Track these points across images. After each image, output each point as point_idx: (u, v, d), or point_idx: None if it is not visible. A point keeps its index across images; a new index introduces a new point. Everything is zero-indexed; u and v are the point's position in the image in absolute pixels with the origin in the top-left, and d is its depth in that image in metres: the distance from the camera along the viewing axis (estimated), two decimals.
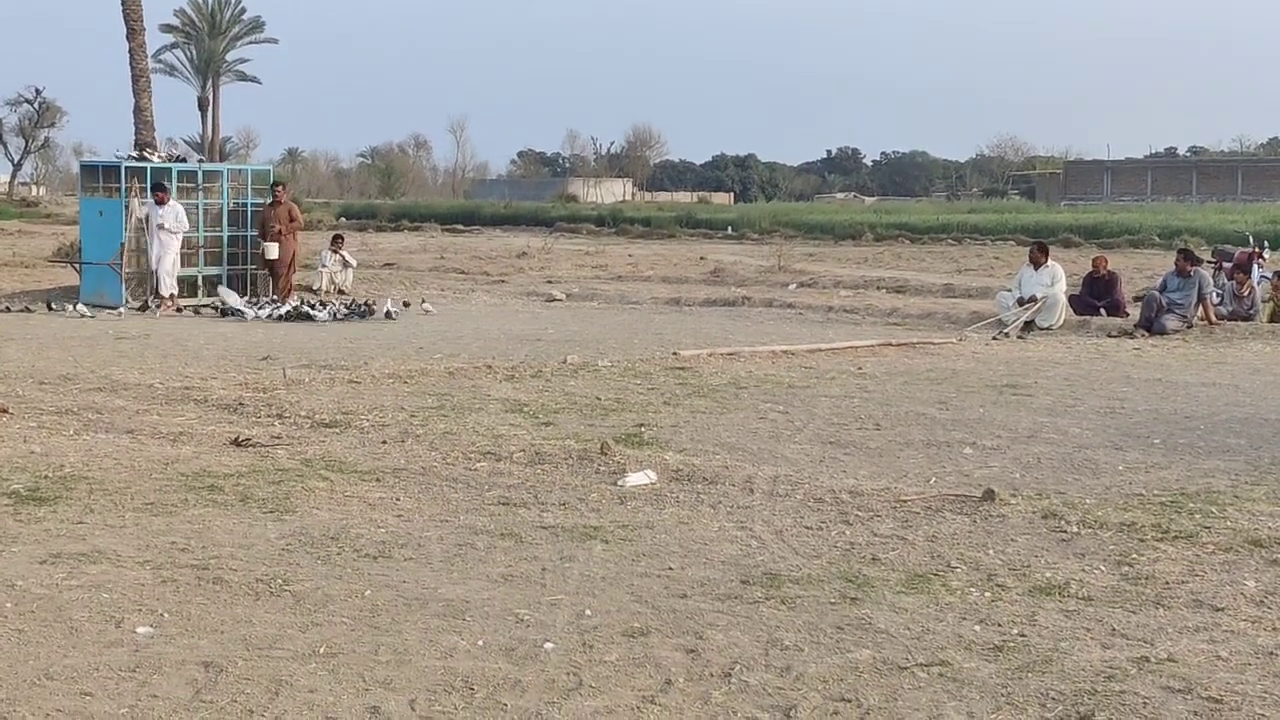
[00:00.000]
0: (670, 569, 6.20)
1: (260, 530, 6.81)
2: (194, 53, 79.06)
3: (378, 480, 7.98)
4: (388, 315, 19.00)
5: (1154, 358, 14.83)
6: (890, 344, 15.67)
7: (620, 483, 7.88)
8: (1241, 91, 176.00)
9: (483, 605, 5.60)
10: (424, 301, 20.10)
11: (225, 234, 21.51)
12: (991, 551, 6.51)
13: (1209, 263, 19.73)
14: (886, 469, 8.46)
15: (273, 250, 20.94)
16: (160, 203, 20.16)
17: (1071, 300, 18.58)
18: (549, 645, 5.12)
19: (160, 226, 20.04)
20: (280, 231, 21.06)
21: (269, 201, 21.47)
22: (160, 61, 72.94)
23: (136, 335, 16.28)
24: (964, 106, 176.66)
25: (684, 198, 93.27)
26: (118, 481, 7.86)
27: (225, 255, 21.54)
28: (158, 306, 19.83)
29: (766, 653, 5.06)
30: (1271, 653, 5.09)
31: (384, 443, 9.08)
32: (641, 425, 9.84)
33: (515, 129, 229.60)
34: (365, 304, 19.73)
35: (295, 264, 21.73)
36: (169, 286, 20.10)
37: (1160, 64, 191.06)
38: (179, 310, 19.90)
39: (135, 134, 25.56)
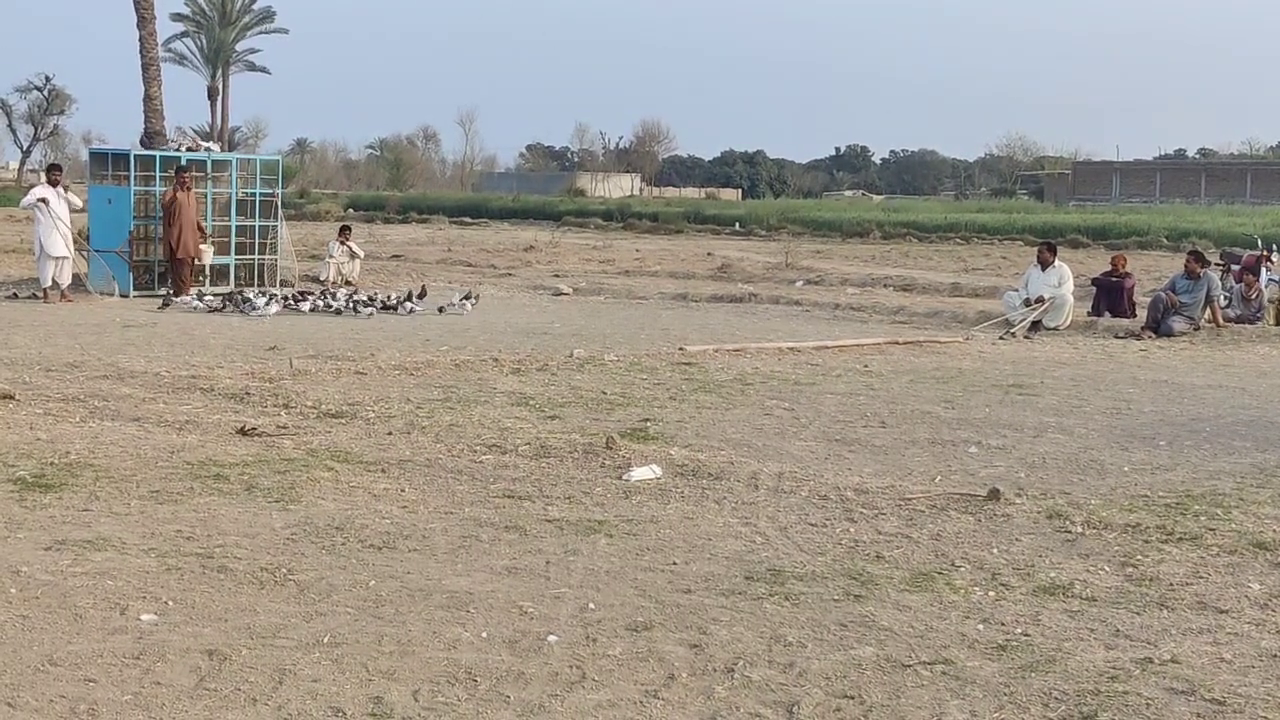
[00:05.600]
0: (674, 564, 6.20)
1: (265, 519, 6.82)
2: (204, 42, 79.12)
3: (383, 471, 7.98)
4: (446, 308, 18.66)
5: (1161, 359, 14.81)
6: (897, 342, 15.67)
7: (625, 477, 7.88)
8: (1251, 94, 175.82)
9: (486, 597, 5.61)
10: (422, 295, 20.01)
11: (234, 224, 21.52)
12: (996, 551, 6.51)
13: (1217, 265, 19.71)
14: (892, 467, 8.46)
15: (208, 255, 20.33)
16: (56, 183, 19.72)
17: (1094, 281, 18.95)
18: (552, 638, 5.12)
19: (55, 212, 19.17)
20: (186, 222, 19.90)
21: (175, 186, 20.10)
22: (170, 50, 73.09)
23: (144, 324, 16.30)
24: (973, 105, 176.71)
25: (692, 193, 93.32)
26: (123, 469, 7.87)
27: (234, 245, 21.55)
28: (58, 297, 19.04)
29: (770, 649, 5.06)
30: (1275, 655, 5.08)
31: (389, 434, 9.09)
32: (647, 420, 9.84)
33: (524, 122, 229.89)
34: (394, 296, 19.37)
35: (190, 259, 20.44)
36: (68, 275, 19.42)
37: (1170, 66, 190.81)
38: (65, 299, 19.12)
39: (145, 123, 25.54)
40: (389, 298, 19.28)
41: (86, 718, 4.32)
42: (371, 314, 18.08)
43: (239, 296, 19.10)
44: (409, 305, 18.74)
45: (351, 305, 18.67)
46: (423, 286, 20.83)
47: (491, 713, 4.42)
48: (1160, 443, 9.49)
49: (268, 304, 18.38)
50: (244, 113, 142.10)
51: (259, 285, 20.99)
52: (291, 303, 18.84)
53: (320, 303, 18.89)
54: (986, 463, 8.67)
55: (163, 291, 19.84)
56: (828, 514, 7.18)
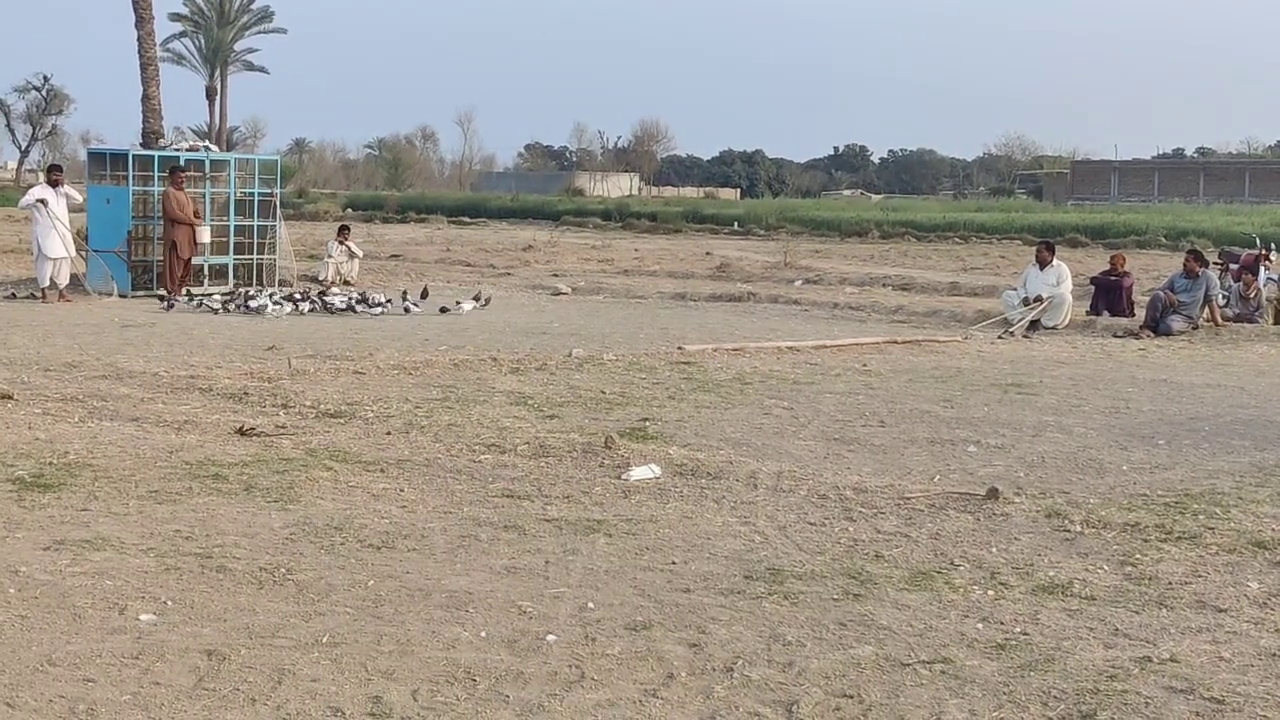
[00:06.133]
0: (673, 563, 6.20)
1: (264, 519, 6.82)
2: (202, 42, 79.18)
3: (382, 471, 7.98)
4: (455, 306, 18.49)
5: (1159, 358, 14.81)
6: (895, 341, 15.67)
7: (624, 477, 7.88)
8: (1249, 94, 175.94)
9: (485, 597, 5.61)
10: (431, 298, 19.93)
11: (232, 223, 21.50)
12: (995, 550, 6.51)
13: (1215, 264, 19.71)
14: (891, 466, 8.46)
15: (204, 234, 20.26)
16: (56, 184, 19.67)
17: (1092, 280, 19.18)
18: (551, 637, 5.12)
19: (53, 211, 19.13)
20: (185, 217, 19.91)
21: (170, 185, 20.03)
22: (168, 50, 73.14)
23: (142, 324, 16.29)
24: (972, 105, 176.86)
25: (690, 193, 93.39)
26: (122, 469, 7.87)
27: (232, 245, 21.52)
28: (56, 297, 19.03)
29: (769, 648, 5.06)
30: (1274, 654, 5.09)
31: (388, 434, 9.08)
32: (646, 419, 9.84)
33: (523, 122, 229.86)
34: (381, 295, 19.28)
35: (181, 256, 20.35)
36: (66, 275, 19.40)
37: (1169, 65, 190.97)
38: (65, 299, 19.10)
39: (143, 123, 25.55)
40: (372, 297, 19.20)
41: (85, 718, 4.32)
42: (382, 313, 18.05)
43: (244, 295, 19.01)
44: (405, 304, 18.65)
45: (350, 304, 18.64)
46: (424, 287, 20.75)
47: (490, 712, 4.42)
48: (1159, 442, 9.50)
49: (281, 306, 18.25)
50: (242, 112, 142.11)
51: (258, 285, 20.95)
52: (292, 304, 18.71)
53: (320, 302, 18.81)
54: (985, 462, 8.67)
55: (161, 293, 19.77)
56: (827, 513, 7.17)
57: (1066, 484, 8.02)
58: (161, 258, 20.33)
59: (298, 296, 19.22)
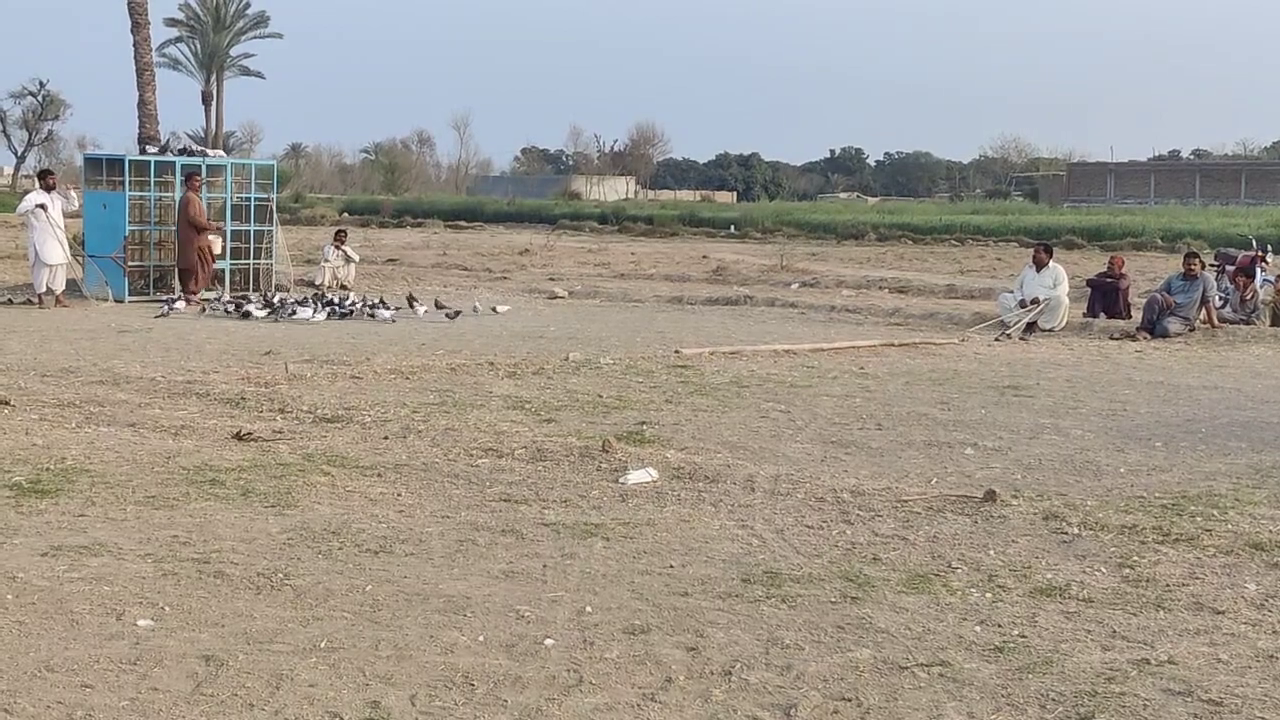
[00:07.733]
0: (671, 567, 6.20)
1: (261, 524, 6.82)
2: (198, 47, 79.07)
3: (379, 476, 7.98)
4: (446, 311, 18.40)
5: (1156, 360, 14.82)
6: (892, 344, 15.67)
7: (622, 480, 7.88)
8: (1245, 95, 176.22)
9: (483, 601, 5.61)
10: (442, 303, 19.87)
11: (229, 228, 21.46)
12: (992, 552, 6.51)
13: (1211, 265, 19.71)
14: (888, 469, 8.46)
15: (217, 244, 20.31)
16: (50, 188, 19.63)
17: (1089, 282, 19.26)
18: (550, 642, 5.12)
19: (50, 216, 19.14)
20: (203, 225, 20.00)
21: (188, 190, 20.05)
22: (164, 55, 73.07)
23: (139, 329, 16.28)
24: (968, 107, 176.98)
25: (687, 196, 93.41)
26: (119, 474, 7.86)
27: (229, 250, 21.48)
28: (53, 302, 19.07)
29: (767, 651, 5.06)
30: (1272, 656, 5.09)
31: (386, 438, 9.08)
32: (643, 423, 9.84)
33: (519, 125, 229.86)
34: (371, 301, 19.21)
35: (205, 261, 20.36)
36: (62, 280, 19.42)
37: (1164, 67, 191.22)
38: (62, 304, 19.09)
39: (139, 128, 25.59)
40: (346, 299, 19.10)
41: None
42: (392, 319, 18.00)
43: (279, 301, 18.96)
44: (386, 312, 18.46)
45: (365, 309, 18.61)
46: (409, 295, 20.40)
47: (488, 717, 4.42)
48: (1156, 444, 9.50)
49: (315, 311, 18.16)
50: (238, 117, 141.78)
51: (255, 290, 20.93)
52: (326, 310, 18.60)
53: (323, 306, 18.73)
54: (982, 464, 8.68)
55: (190, 298, 19.57)
56: (824, 516, 7.18)
57: (1064, 486, 8.02)
58: (176, 261, 20.26)
59: (311, 298, 19.11)
